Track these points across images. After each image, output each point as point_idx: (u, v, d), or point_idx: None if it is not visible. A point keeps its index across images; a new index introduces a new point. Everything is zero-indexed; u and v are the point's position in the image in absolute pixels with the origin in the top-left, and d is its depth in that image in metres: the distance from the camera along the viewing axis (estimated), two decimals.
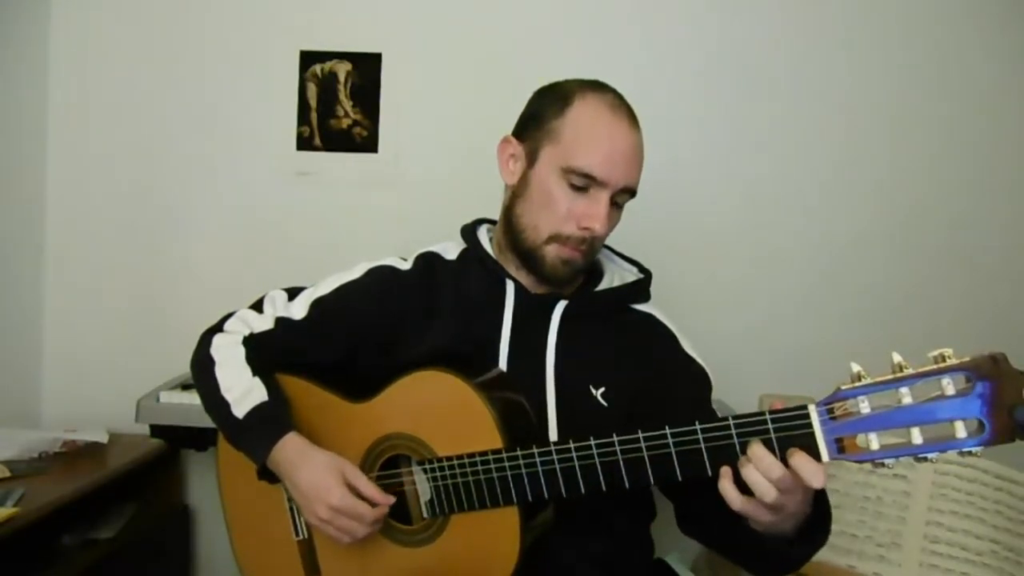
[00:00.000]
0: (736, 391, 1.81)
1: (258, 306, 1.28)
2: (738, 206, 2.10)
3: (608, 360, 1.19)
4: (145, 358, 2.10)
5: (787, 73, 2.08)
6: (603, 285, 1.24)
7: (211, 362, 1.22)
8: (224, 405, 1.17)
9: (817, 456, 0.85)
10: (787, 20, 2.08)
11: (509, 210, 1.21)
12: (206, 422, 1.24)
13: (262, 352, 1.22)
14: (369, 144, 2.13)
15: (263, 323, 1.25)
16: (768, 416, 0.88)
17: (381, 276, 1.26)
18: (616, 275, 1.27)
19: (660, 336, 1.24)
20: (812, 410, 0.86)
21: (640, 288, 1.26)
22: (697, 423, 0.92)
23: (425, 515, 1.12)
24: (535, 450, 1.01)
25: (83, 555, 1.77)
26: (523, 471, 1.02)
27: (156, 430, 1.81)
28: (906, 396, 0.81)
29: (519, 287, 1.21)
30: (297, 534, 1.24)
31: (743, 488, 0.90)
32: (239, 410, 1.15)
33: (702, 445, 0.92)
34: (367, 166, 2.13)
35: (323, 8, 2.12)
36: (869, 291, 2.08)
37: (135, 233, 2.16)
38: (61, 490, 1.63)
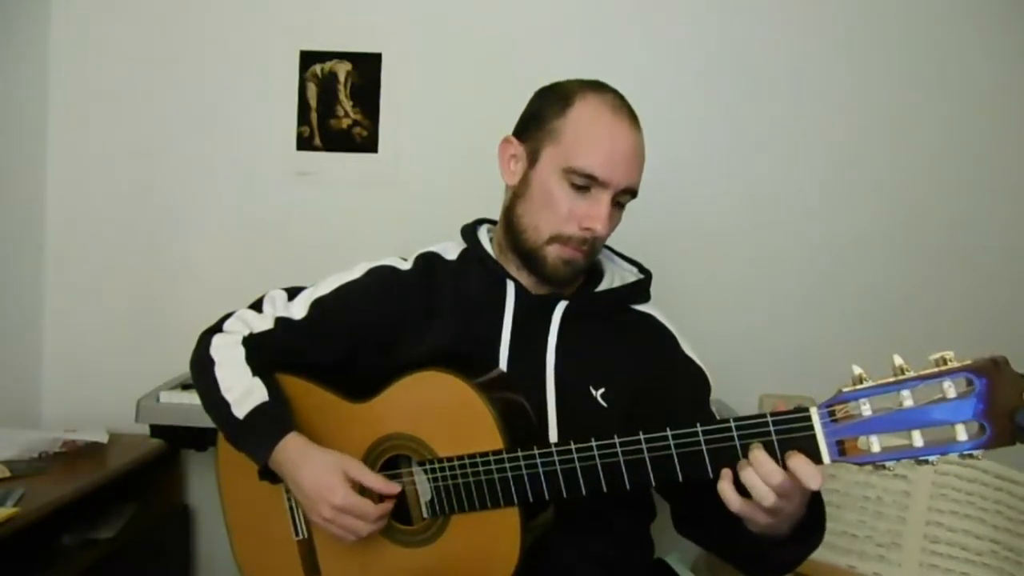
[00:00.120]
0: (736, 391, 1.81)
1: (258, 306, 1.28)
2: (738, 206, 2.11)
3: (608, 361, 1.19)
4: (145, 358, 2.10)
5: (787, 73, 2.08)
6: (603, 286, 1.24)
7: (211, 362, 1.22)
8: (224, 405, 1.16)
9: (818, 458, 0.86)
10: (787, 20, 2.08)
11: (510, 210, 1.21)
12: (206, 422, 1.24)
13: (262, 352, 1.22)
14: (369, 144, 2.13)
15: (263, 323, 1.24)
16: (769, 418, 0.88)
17: (381, 276, 1.26)
18: (616, 275, 1.27)
19: (660, 337, 1.24)
20: (813, 412, 0.86)
21: (640, 288, 1.26)
22: (699, 424, 0.92)
23: (425, 515, 1.12)
24: (536, 451, 1.01)
25: (83, 555, 1.77)
26: (524, 471, 1.02)
27: (156, 430, 1.81)
28: (907, 399, 0.81)
29: (519, 287, 1.21)
30: (297, 534, 1.24)
31: (741, 490, 0.90)
32: (240, 411, 1.15)
33: (703, 447, 0.92)
34: (367, 166, 2.13)
35: (323, 8, 2.12)
36: (869, 291, 2.08)
37: (135, 233, 2.16)
38: (61, 490, 1.63)
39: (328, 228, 2.13)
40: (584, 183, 1.12)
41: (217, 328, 1.27)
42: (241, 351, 1.22)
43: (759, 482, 0.87)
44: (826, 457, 0.85)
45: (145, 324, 2.17)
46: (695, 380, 1.22)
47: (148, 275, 2.17)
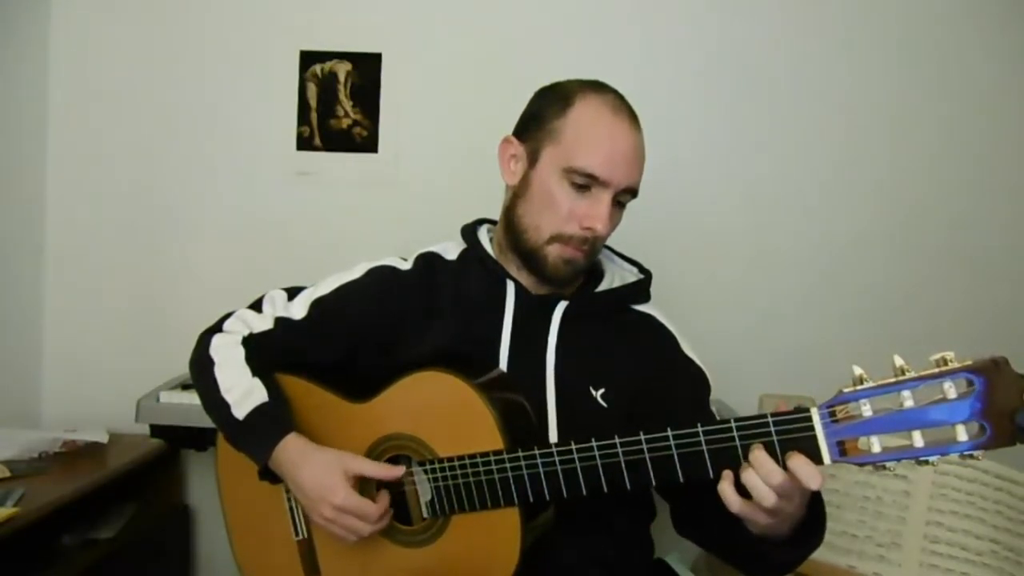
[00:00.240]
0: (736, 391, 1.81)
1: (257, 306, 1.28)
2: (738, 206, 2.11)
3: (608, 361, 1.19)
4: (145, 358, 2.10)
5: (787, 73, 2.08)
6: (603, 286, 1.24)
7: (210, 363, 1.21)
8: (224, 406, 1.16)
9: (819, 459, 0.86)
10: (787, 20, 2.08)
11: (510, 210, 1.21)
12: (206, 422, 1.24)
13: (262, 352, 1.22)
14: (369, 144, 2.13)
15: (262, 323, 1.24)
16: (770, 418, 0.88)
17: (381, 276, 1.26)
18: (616, 276, 1.27)
19: (660, 337, 1.24)
20: (814, 413, 0.86)
21: (640, 288, 1.26)
22: (699, 425, 0.92)
23: (425, 515, 1.12)
24: (536, 451, 1.01)
25: (83, 555, 1.77)
26: (524, 472, 1.02)
27: (156, 430, 1.81)
28: (908, 399, 0.81)
29: (519, 287, 1.21)
30: (297, 534, 1.24)
31: (741, 490, 0.90)
32: (239, 411, 1.15)
33: (704, 447, 0.92)
34: (367, 166, 2.13)
35: (323, 8, 2.12)
36: (869, 291, 2.08)
37: (135, 233, 2.16)
38: (61, 490, 1.62)
39: (328, 228, 2.13)
40: (585, 183, 1.12)
41: (217, 328, 1.27)
42: (241, 351, 1.21)
43: (760, 482, 0.87)
44: (827, 457, 0.85)
45: (145, 324, 2.17)
46: (695, 380, 1.22)
47: (148, 275, 2.17)
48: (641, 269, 1.30)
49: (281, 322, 1.24)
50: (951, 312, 2.05)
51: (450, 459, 1.07)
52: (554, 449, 1.00)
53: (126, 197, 2.16)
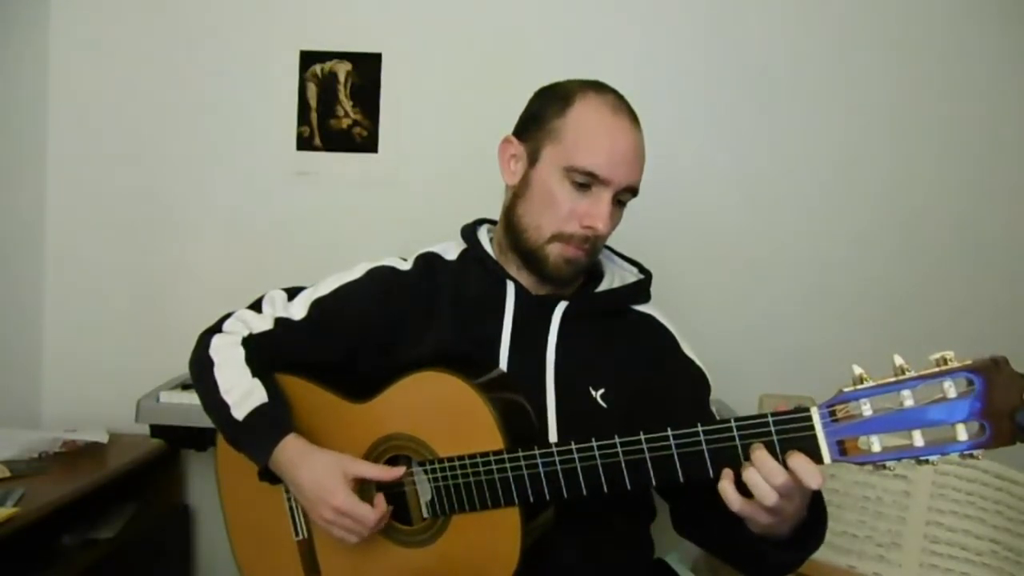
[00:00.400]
0: (736, 391, 1.81)
1: (257, 306, 1.28)
2: (738, 206, 2.11)
3: (608, 361, 1.19)
4: (145, 358, 2.10)
5: (787, 73, 2.08)
6: (603, 286, 1.24)
7: (210, 363, 1.21)
8: (224, 407, 1.16)
9: (819, 458, 0.86)
10: (787, 20, 2.08)
11: (510, 210, 1.21)
12: (206, 422, 1.24)
13: (261, 353, 1.22)
14: (369, 144, 2.13)
15: (262, 323, 1.24)
16: (770, 418, 0.88)
17: (381, 276, 1.26)
18: (616, 276, 1.27)
19: (660, 337, 1.24)
20: (814, 412, 0.86)
21: (640, 289, 1.26)
22: (699, 425, 0.92)
23: (425, 515, 1.12)
24: (536, 451, 1.01)
25: (83, 555, 1.77)
26: (524, 472, 1.02)
27: (156, 430, 1.81)
28: (908, 399, 0.81)
29: (519, 287, 1.21)
30: (297, 534, 1.24)
31: (742, 489, 0.90)
32: (239, 412, 1.15)
33: (704, 447, 0.92)
34: (367, 166, 2.13)
35: (323, 8, 2.12)
36: (869, 291, 2.08)
37: (135, 233, 2.16)
38: (61, 490, 1.63)
39: (328, 228, 2.13)
40: (585, 182, 1.12)
41: (216, 328, 1.27)
42: (240, 352, 1.21)
43: (761, 481, 0.87)
44: (827, 457, 0.85)
45: (145, 324, 2.17)
46: (695, 380, 1.22)
47: (148, 275, 2.17)
48: (641, 269, 1.29)
49: (281, 322, 1.24)
50: (951, 312, 2.05)
51: (450, 459, 1.07)
52: (554, 449, 1.00)
53: (126, 197, 2.16)
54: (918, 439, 0.81)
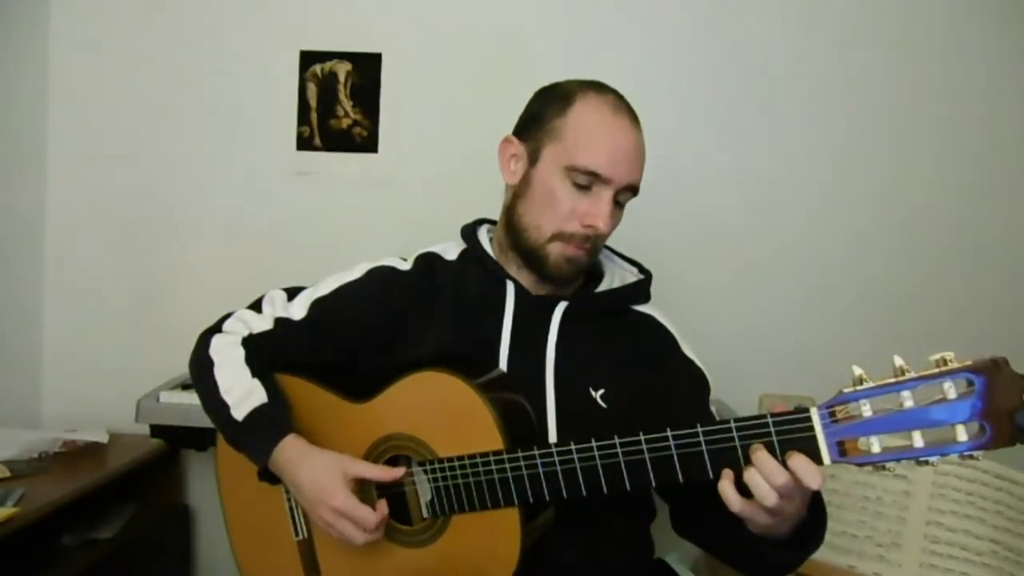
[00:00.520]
0: (736, 391, 1.81)
1: (257, 306, 1.28)
2: (738, 206, 2.10)
3: (608, 361, 1.19)
4: (145, 358, 2.10)
5: (787, 73, 2.08)
6: (603, 286, 1.24)
7: (210, 363, 1.21)
8: (224, 407, 1.16)
9: (819, 459, 0.86)
10: (787, 20, 2.08)
11: (511, 210, 1.21)
12: (206, 422, 1.24)
13: (261, 353, 1.22)
14: (369, 144, 2.13)
15: (262, 323, 1.24)
16: (770, 419, 0.88)
17: (381, 276, 1.26)
18: (616, 276, 1.27)
19: (660, 337, 1.24)
20: (814, 413, 0.86)
21: (640, 289, 1.26)
22: (699, 425, 0.92)
23: (425, 515, 1.12)
24: (536, 451, 1.01)
25: (83, 555, 1.77)
26: (524, 472, 1.02)
27: (156, 430, 1.81)
28: (908, 399, 0.81)
29: (519, 287, 1.21)
30: (297, 534, 1.24)
31: (741, 490, 0.90)
32: (239, 412, 1.15)
33: (704, 447, 0.92)
34: (367, 166, 2.13)
35: (323, 8, 2.12)
36: (869, 291, 2.08)
37: (135, 233, 2.16)
38: (61, 490, 1.63)
39: (328, 228, 2.13)
40: (586, 181, 1.13)
41: (216, 328, 1.27)
42: (240, 352, 1.21)
43: (762, 482, 0.87)
44: (826, 458, 0.85)
45: (145, 324, 2.17)
46: (695, 381, 1.22)
47: (148, 275, 2.17)
48: (641, 269, 1.29)
49: (281, 322, 1.24)
50: (951, 312, 2.05)
51: (450, 459, 1.07)
52: (554, 449, 1.00)
53: (126, 197, 2.16)
54: (918, 440, 0.81)
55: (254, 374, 1.18)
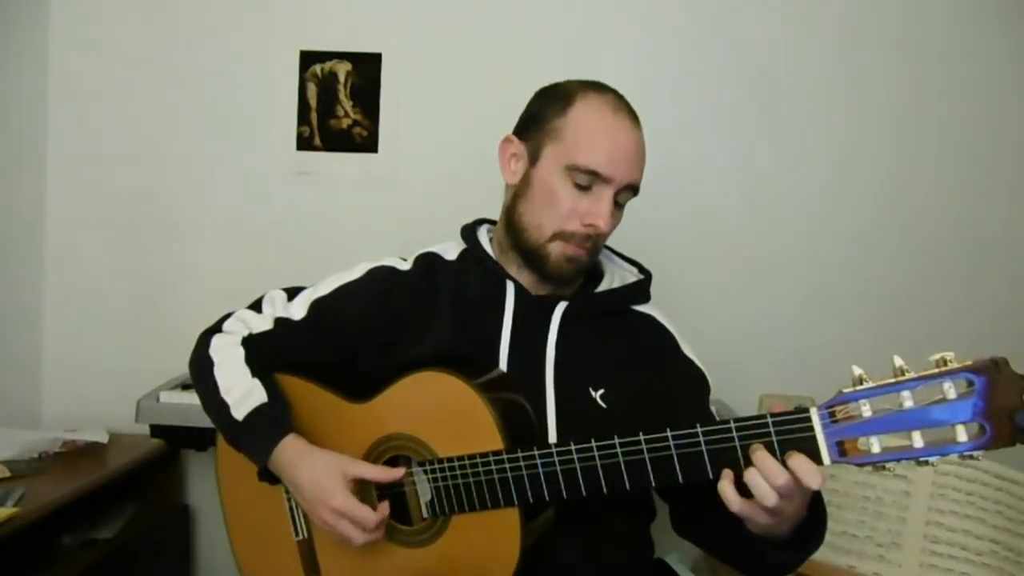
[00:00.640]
0: (736, 391, 1.81)
1: (257, 306, 1.28)
2: (738, 206, 2.10)
3: (608, 362, 1.19)
4: (145, 358, 2.10)
5: (787, 73, 2.08)
6: (603, 286, 1.24)
7: (210, 363, 1.21)
8: (223, 407, 1.16)
9: (818, 459, 0.86)
10: (787, 20, 2.08)
11: (511, 209, 1.21)
12: (206, 422, 1.24)
13: (261, 353, 1.22)
14: (369, 144, 2.13)
15: (262, 323, 1.24)
16: (769, 419, 0.88)
17: (381, 276, 1.26)
18: (616, 276, 1.27)
19: (660, 337, 1.24)
20: (813, 413, 0.86)
21: (640, 289, 1.26)
22: (699, 425, 0.92)
23: (425, 515, 1.12)
24: (536, 451, 1.01)
25: (83, 555, 1.77)
26: (524, 472, 1.02)
27: (156, 430, 1.81)
28: (907, 399, 0.81)
29: (519, 287, 1.21)
30: (297, 534, 1.24)
31: (741, 490, 0.90)
32: (239, 412, 1.15)
33: (703, 448, 0.92)
34: (367, 166, 2.13)
35: (323, 8, 2.12)
36: (869, 291, 2.08)
37: (135, 233, 2.16)
38: (61, 490, 1.63)
39: (328, 228, 2.13)
40: (587, 181, 1.13)
41: (216, 328, 1.27)
42: (240, 352, 1.21)
43: (762, 482, 0.87)
44: (826, 458, 0.85)
45: (145, 324, 2.17)
46: (695, 381, 1.22)
47: (148, 275, 2.17)
48: (641, 269, 1.29)
49: (281, 322, 1.24)
50: (951, 312, 2.05)
51: (450, 459, 1.07)
52: (553, 449, 1.00)
53: (126, 197, 2.16)
54: (918, 440, 0.81)
55: (254, 374, 1.18)
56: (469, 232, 1.29)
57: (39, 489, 1.60)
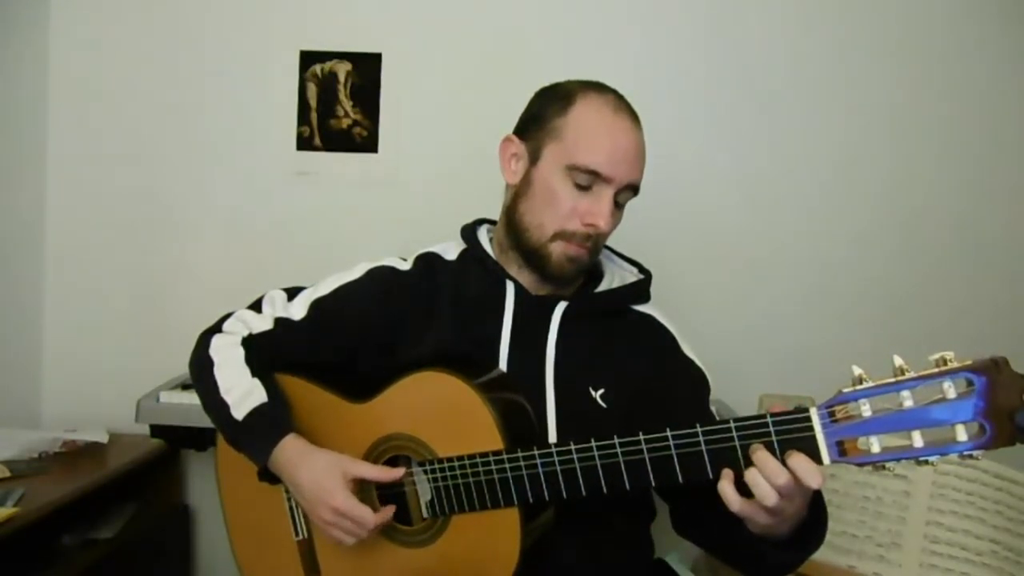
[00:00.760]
0: (736, 391, 1.81)
1: (257, 306, 1.28)
2: (738, 206, 2.10)
3: (608, 361, 1.19)
4: (145, 358, 2.10)
5: (787, 73, 2.08)
6: (603, 286, 1.24)
7: (210, 363, 1.21)
8: (224, 407, 1.16)
9: (818, 459, 0.86)
10: (787, 20, 2.08)
11: (511, 209, 1.21)
12: (206, 422, 1.24)
13: (261, 353, 1.22)
14: (369, 144, 2.13)
15: (262, 323, 1.24)
16: (769, 419, 0.88)
17: (381, 276, 1.26)
18: (616, 276, 1.27)
19: (660, 337, 1.24)
20: (813, 413, 0.86)
21: (640, 289, 1.26)
22: (698, 425, 0.92)
23: (425, 516, 1.12)
24: (536, 451, 1.01)
25: (83, 555, 1.77)
26: (523, 472, 1.02)
27: (156, 430, 1.81)
28: (907, 399, 0.81)
29: (519, 287, 1.21)
30: (297, 534, 1.24)
31: (741, 489, 0.90)
32: (239, 412, 1.15)
33: (703, 447, 0.92)
34: (367, 166, 2.13)
35: (323, 8, 2.12)
36: (869, 291, 2.08)
37: (135, 233, 2.16)
38: (61, 490, 1.63)
39: (328, 228, 2.13)
40: (587, 180, 1.13)
41: (216, 328, 1.27)
42: (240, 352, 1.21)
43: (763, 482, 0.87)
44: (826, 458, 0.85)
45: (145, 324, 2.17)
46: (695, 381, 1.22)
47: (148, 275, 2.17)
48: (641, 269, 1.29)
49: (281, 322, 1.24)
50: (951, 312, 2.05)
51: (450, 459, 1.07)
52: (553, 449, 1.00)
53: (126, 197, 2.16)
54: (918, 440, 0.81)
55: (254, 374, 1.18)
56: (469, 232, 1.29)
57: (39, 489, 1.60)
